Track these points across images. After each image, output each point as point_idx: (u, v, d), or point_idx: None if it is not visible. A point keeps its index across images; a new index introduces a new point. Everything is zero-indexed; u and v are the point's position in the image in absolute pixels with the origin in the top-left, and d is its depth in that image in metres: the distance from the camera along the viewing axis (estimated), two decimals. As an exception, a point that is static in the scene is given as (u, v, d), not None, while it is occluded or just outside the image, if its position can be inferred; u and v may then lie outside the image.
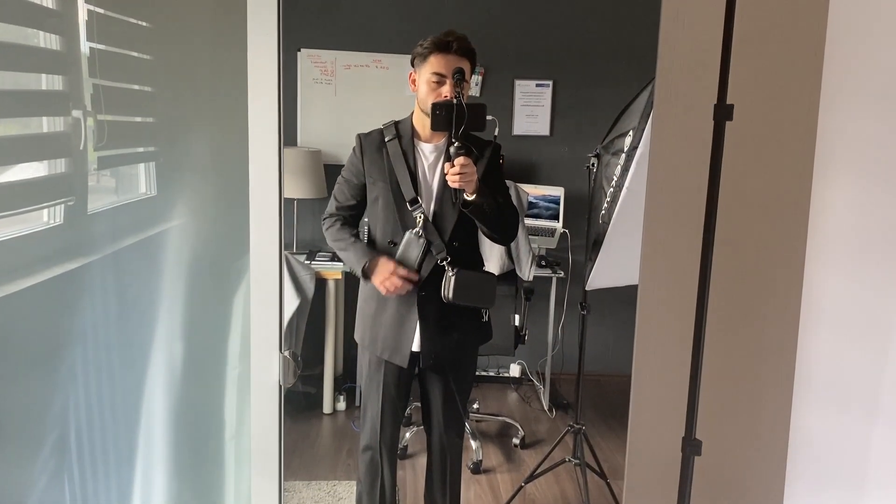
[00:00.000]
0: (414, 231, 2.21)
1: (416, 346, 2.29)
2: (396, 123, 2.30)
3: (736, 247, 1.48)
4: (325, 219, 2.38)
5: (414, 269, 2.21)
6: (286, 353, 1.30)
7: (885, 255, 1.42)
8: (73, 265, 1.92)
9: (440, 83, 2.14)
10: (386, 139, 2.26)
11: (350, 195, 2.34)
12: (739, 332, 1.52)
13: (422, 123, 2.24)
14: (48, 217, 2.23)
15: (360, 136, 2.32)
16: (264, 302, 1.31)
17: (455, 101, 2.03)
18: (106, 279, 1.56)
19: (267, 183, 1.28)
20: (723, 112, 1.41)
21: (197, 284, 1.54)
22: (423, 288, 2.25)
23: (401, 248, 2.22)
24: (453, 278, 2.19)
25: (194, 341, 1.48)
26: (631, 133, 2.35)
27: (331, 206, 2.37)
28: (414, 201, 2.22)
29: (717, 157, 1.43)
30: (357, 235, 2.34)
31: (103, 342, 1.40)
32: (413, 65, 2.24)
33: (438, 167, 2.25)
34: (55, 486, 1.26)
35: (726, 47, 1.39)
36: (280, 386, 1.34)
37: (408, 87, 2.30)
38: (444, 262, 2.21)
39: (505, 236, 2.33)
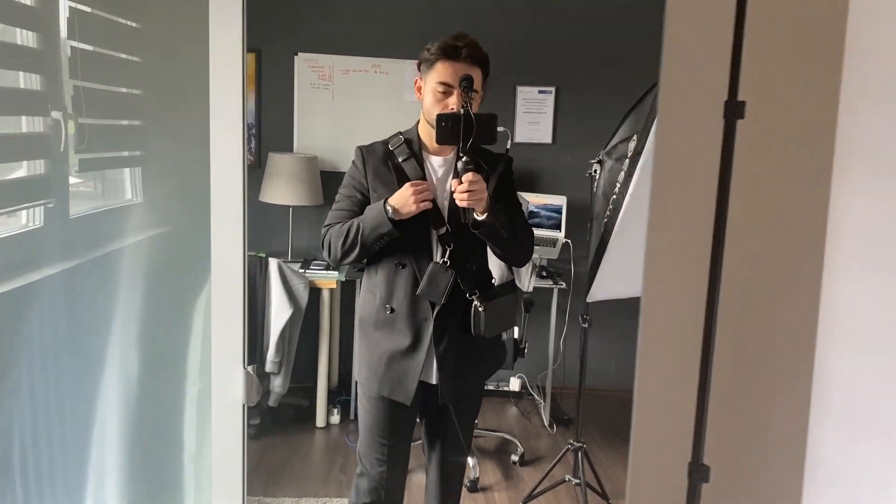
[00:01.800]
0: (441, 261, 1.99)
1: (430, 380, 2.08)
2: (402, 134, 2.11)
3: (747, 256, 1.36)
4: (326, 227, 2.09)
5: (439, 302, 2.00)
6: (249, 369, 1.18)
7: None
8: (50, 270, 1.83)
9: (447, 94, 1.95)
10: (393, 150, 2.07)
11: (349, 210, 2.07)
12: (751, 349, 1.41)
13: (429, 135, 2.04)
14: (27, 220, 2.14)
15: (361, 149, 2.10)
16: (226, 312, 1.19)
17: (462, 111, 1.85)
18: (60, 290, 1.45)
19: (229, 183, 1.17)
20: (734, 109, 1.30)
21: (157, 294, 1.43)
22: (438, 317, 2.03)
23: (424, 280, 1.98)
24: (484, 313, 2.01)
25: (152, 354, 1.36)
26: (635, 137, 2.25)
27: (329, 220, 2.11)
28: (440, 222, 2.00)
29: (727, 158, 1.32)
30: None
31: (55, 355, 1.29)
32: (419, 70, 2.05)
33: (448, 183, 2.02)
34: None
35: (737, 40, 1.28)
36: (243, 404, 1.22)
37: (408, 92, 2.16)
38: (473, 296, 2.02)
39: (519, 259, 2.16)
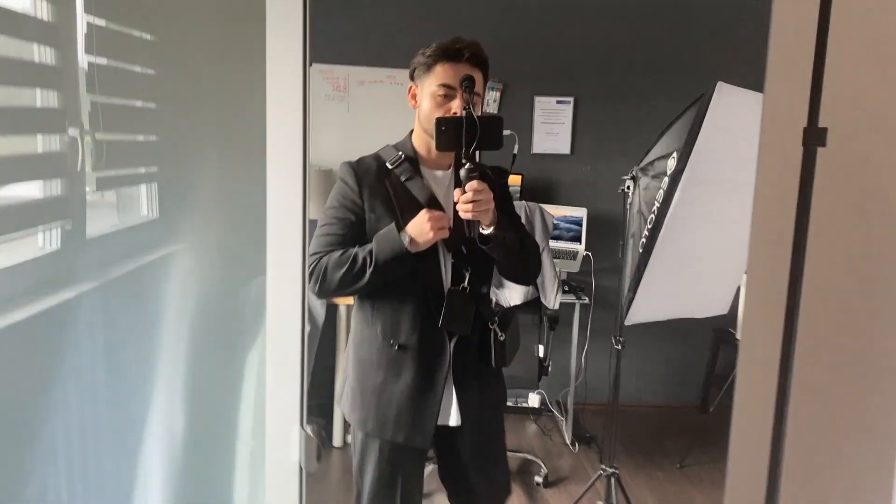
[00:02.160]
0: (461, 286, 1.80)
1: (450, 420, 1.88)
2: (396, 148, 1.91)
3: (831, 284, 1.27)
4: (314, 255, 1.80)
5: (466, 333, 1.83)
6: (309, 429, 1.09)
7: None
8: (70, 294, 1.74)
9: (448, 97, 1.78)
10: (390, 166, 1.86)
11: (343, 237, 1.81)
12: (834, 389, 1.32)
13: (426, 146, 1.87)
14: (43, 242, 2.06)
15: (350, 165, 1.87)
16: (283, 364, 1.10)
17: (465, 113, 1.66)
18: (97, 317, 1.36)
19: (289, 226, 1.08)
20: (814, 137, 1.21)
21: (204, 332, 1.33)
22: (456, 350, 1.86)
23: (446, 310, 1.79)
24: (506, 342, 1.89)
25: (197, 405, 1.26)
26: (675, 155, 2.16)
27: (315, 247, 1.83)
28: (450, 244, 1.81)
29: (807, 184, 1.23)
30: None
31: (90, 409, 1.19)
32: (413, 77, 1.88)
33: (451, 199, 1.81)
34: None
35: (819, 63, 1.19)
36: (301, 468, 1.13)
37: (423, 104, 1.98)
38: (494, 325, 1.88)
39: (528, 275, 1.98)
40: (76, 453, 1.13)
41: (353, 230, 1.83)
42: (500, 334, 1.87)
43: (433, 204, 1.83)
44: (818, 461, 1.31)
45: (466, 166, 1.66)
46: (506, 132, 1.74)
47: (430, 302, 1.82)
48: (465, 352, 1.87)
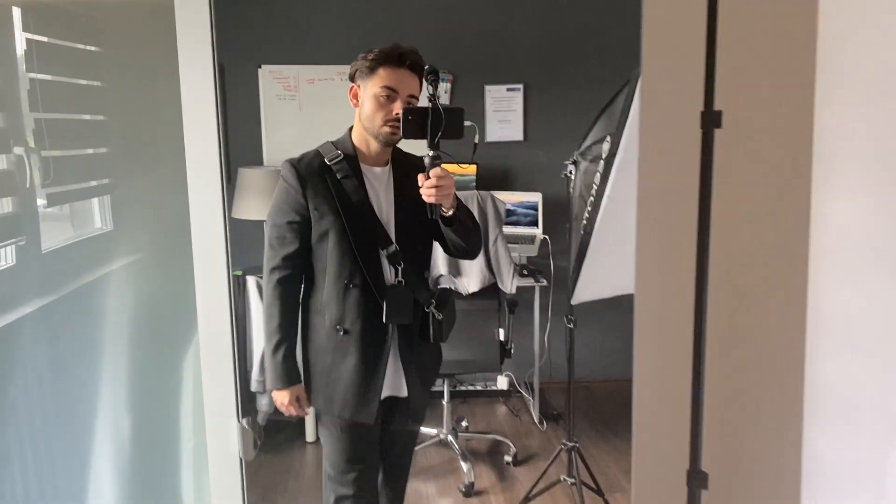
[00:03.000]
0: (396, 280, 1.98)
1: (399, 392, 2.08)
2: (334, 145, 2.02)
3: (734, 260, 1.37)
4: (271, 270, 1.96)
5: (409, 322, 2.01)
6: (244, 423, 1.16)
7: (893, 261, 1.32)
8: (27, 308, 1.78)
9: (391, 98, 1.91)
10: (328, 163, 1.96)
11: (292, 237, 1.96)
12: (741, 354, 1.42)
13: (365, 143, 1.99)
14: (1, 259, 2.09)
15: (291, 163, 1.97)
16: (216, 362, 1.17)
17: (430, 104, 1.79)
18: (47, 331, 1.41)
19: (209, 217, 1.14)
20: (710, 119, 1.30)
21: (146, 337, 1.40)
22: (400, 333, 2.04)
23: (387, 306, 1.96)
24: (443, 320, 2.05)
25: (144, 408, 1.33)
26: (608, 139, 2.24)
27: (273, 256, 1.97)
28: (387, 241, 1.98)
29: (707, 166, 1.32)
30: (294, 339, 2.02)
31: (42, 413, 1.25)
32: (353, 79, 2.00)
33: (391, 194, 2.02)
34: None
35: (710, 51, 1.28)
36: (241, 459, 1.20)
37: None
38: (431, 308, 2.05)
39: (477, 248, 2.13)
40: (29, 464, 1.19)
41: (298, 229, 1.96)
42: (437, 315, 2.04)
43: (368, 202, 1.98)
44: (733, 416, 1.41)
45: (431, 154, 1.82)
46: (466, 123, 1.87)
47: (374, 292, 1.97)
48: (408, 333, 2.04)
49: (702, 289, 1.34)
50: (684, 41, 1.24)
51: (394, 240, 1.99)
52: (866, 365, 1.35)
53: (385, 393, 2.04)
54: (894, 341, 1.28)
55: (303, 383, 2.02)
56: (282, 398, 1.96)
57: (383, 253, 1.98)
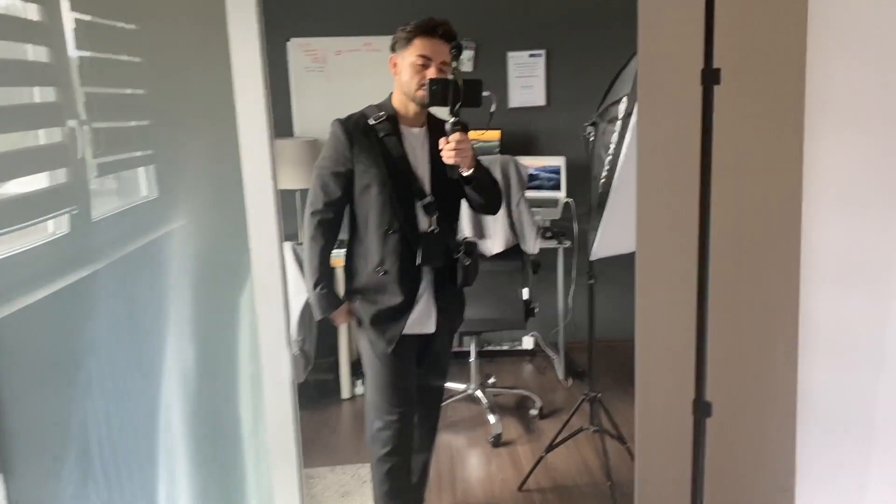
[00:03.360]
0: (431, 228, 2.22)
1: (429, 329, 2.33)
2: (379, 108, 2.26)
3: (732, 206, 1.49)
4: (313, 213, 2.25)
5: (439, 266, 2.26)
6: (296, 351, 1.32)
7: (881, 203, 1.42)
8: (83, 273, 1.95)
9: (426, 66, 2.15)
10: (372, 123, 2.21)
11: (336, 186, 2.22)
12: (741, 291, 1.54)
13: (405, 106, 2.25)
14: (54, 228, 2.26)
15: (340, 122, 2.23)
16: (268, 300, 1.33)
17: (451, 76, 2.05)
18: (113, 287, 1.59)
19: (261, 179, 1.31)
20: (710, 76, 1.41)
21: (203, 286, 1.57)
22: (433, 276, 2.29)
23: (421, 250, 2.21)
24: (469, 266, 2.30)
25: (205, 344, 1.50)
26: (625, 100, 2.35)
27: (316, 201, 2.24)
28: (422, 193, 2.23)
29: (707, 120, 1.43)
30: (332, 273, 2.31)
31: (117, 351, 1.43)
32: (393, 49, 2.23)
33: (426, 152, 2.26)
34: (82, 494, 1.30)
35: (709, 12, 1.38)
36: (293, 382, 1.37)
37: (401, 69, 2.29)
38: (460, 254, 2.28)
39: (497, 205, 2.37)
40: (110, 392, 1.37)
41: (342, 179, 2.21)
42: (465, 261, 2.28)
43: (406, 158, 2.23)
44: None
45: (451, 120, 2.06)
46: (484, 93, 2.10)
47: (410, 239, 2.22)
48: (440, 276, 2.29)
49: (705, 229, 1.46)
50: (682, 3, 1.35)
51: (428, 193, 2.22)
52: (856, 299, 1.46)
53: (417, 329, 2.30)
54: (880, 277, 1.39)
55: (345, 304, 2.31)
56: (334, 317, 2.29)
57: (419, 204, 2.22)
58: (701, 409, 1.56)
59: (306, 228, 2.25)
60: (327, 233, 2.24)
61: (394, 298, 2.24)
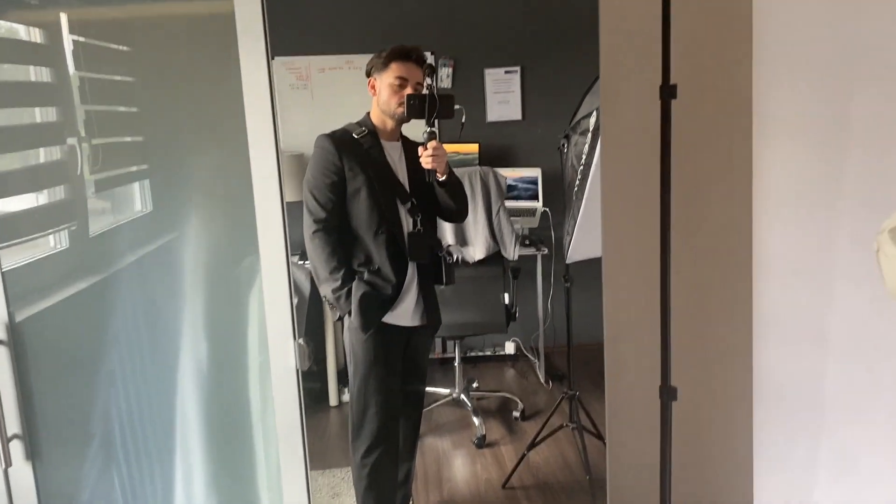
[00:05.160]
0: (416, 228, 2.40)
1: (419, 321, 2.51)
2: (360, 125, 2.45)
3: (690, 210, 1.65)
4: (315, 231, 2.36)
5: (424, 261, 2.45)
6: (300, 341, 1.46)
7: (822, 205, 1.59)
8: (84, 284, 2.06)
9: (402, 86, 2.37)
10: (356, 137, 2.41)
11: (331, 195, 2.36)
12: (700, 287, 1.69)
13: (383, 123, 2.45)
14: (54, 242, 2.37)
15: (326, 136, 2.40)
16: (276, 297, 1.47)
17: (427, 91, 2.29)
18: (127, 291, 1.71)
19: (269, 187, 1.45)
20: (668, 92, 1.57)
21: (212, 287, 1.70)
22: (418, 271, 2.46)
23: (408, 247, 2.40)
24: (451, 264, 2.51)
25: (217, 338, 1.64)
26: (595, 113, 2.51)
27: (316, 212, 2.36)
28: (405, 197, 2.42)
29: (666, 131, 1.59)
30: (352, 276, 2.39)
31: (136, 346, 1.55)
32: (369, 73, 2.46)
33: (403, 163, 2.47)
34: (105, 479, 1.42)
35: (665, 32, 1.55)
36: (297, 370, 1.51)
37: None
38: (443, 253, 2.48)
39: (464, 212, 2.57)
40: (130, 384, 1.50)
41: (335, 187, 2.37)
42: (448, 259, 2.50)
43: (389, 166, 2.43)
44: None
45: (428, 130, 2.30)
46: (456, 107, 2.37)
47: (397, 238, 2.41)
48: (425, 273, 2.50)
49: (665, 233, 1.62)
50: (641, 25, 1.51)
51: (410, 197, 2.42)
52: (802, 290, 1.62)
53: (403, 322, 2.47)
54: (823, 270, 1.56)
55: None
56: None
57: (403, 207, 2.42)
58: (667, 393, 1.71)
59: (312, 246, 2.37)
60: (332, 239, 2.36)
61: (385, 287, 2.39)
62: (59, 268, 2.12)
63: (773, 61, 1.56)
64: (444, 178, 2.36)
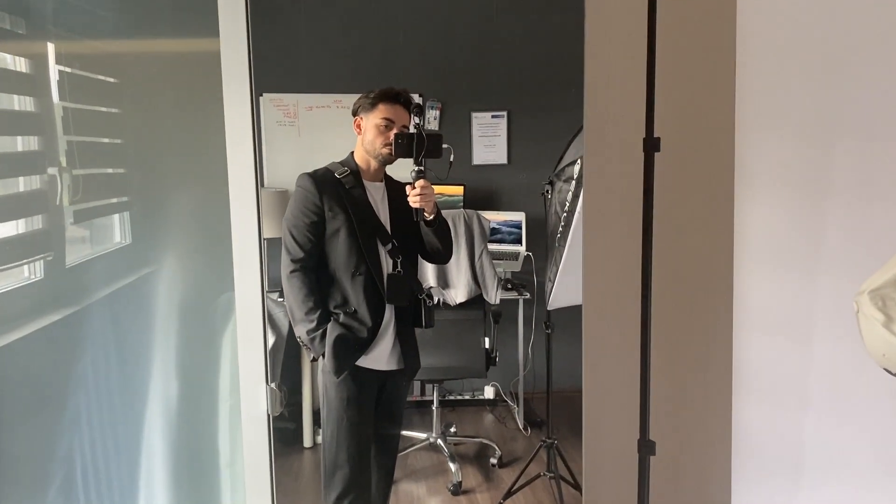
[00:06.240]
0: (396, 270, 2.37)
1: (395, 366, 2.46)
2: (342, 165, 2.44)
3: (671, 262, 1.65)
4: (292, 271, 2.33)
5: (403, 304, 2.40)
6: (272, 385, 1.43)
7: (803, 260, 1.60)
8: (57, 316, 2.02)
9: (389, 128, 2.36)
10: (338, 176, 2.39)
11: (310, 235, 2.34)
12: (680, 340, 1.69)
13: (367, 163, 2.43)
14: (28, 273, 2.32)
15: (308, 175, 2.39)
16: (250, 338, 1.44)
17: (416, 131, 2.27)
18: (99, 326, 1.68)
19: (247, 225, 1.43)
20: (651, 144, 1.58)
21: (185, 325, 1.67)
22: (397, 315, 2.42)
23: (387, 290, 2.36)
24: (432, 307, 2.47)
25: (188, 379, 1.60)
26: (579, 161, 2.53)
27: (294, 252, 2.34)
28: (386, 238, 2.38)
29: (649, 183, 1.60)
30: (327, 317, 2.36)
31: (104, 385, 1.51)
32: (356, 113, 2.46)
33: (386, 204, 2.45)
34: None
35: (650, 86, 1.57)
36: (269, 415, 1.46)
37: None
38: (424, 296, 2.44)
39: (449, 253, 2.54)
40: (95, 425, 1.45)
41: (314, 227, 2.34)
42: (428, 301, 2.45)
43: (370, 206, 2.40)
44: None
45: (416, 169, 2.28)
46: (444, 146, 2.36)
47: (376, 280, 2.37)
48: (404, 316, 2.45)
49: (646, 284, 1.61)
50: (625, 77, 1.53)
51: (391, 239, 2.39)
52: (782, 347, 1.62)
53: (379, 366, 2.43)
54: (803, 326, 1.56)
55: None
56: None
57: (383, 249, 2.38)
58: (646, 447, 1.69)
59: (289, 283, 2.34)
60: (310, 279, 2.33)
61: (360, 330, 2.35)
62: (31, 299, 2.08)
63: (756, 117, 1.58)
64: (431, 217, 2.35)
